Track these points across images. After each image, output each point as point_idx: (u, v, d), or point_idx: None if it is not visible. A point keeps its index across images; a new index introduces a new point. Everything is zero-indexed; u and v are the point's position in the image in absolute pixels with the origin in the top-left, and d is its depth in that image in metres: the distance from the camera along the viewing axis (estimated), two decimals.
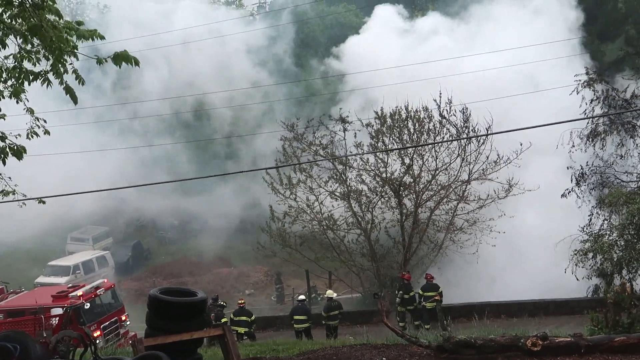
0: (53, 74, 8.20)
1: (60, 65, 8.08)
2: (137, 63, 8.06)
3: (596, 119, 23.73)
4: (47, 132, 9.87)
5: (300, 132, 28.35)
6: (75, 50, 8.10)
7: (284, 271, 37.59)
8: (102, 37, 8.12)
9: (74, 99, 8.41)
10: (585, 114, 23.72)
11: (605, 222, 23.16)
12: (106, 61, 8.03)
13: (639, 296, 14.75)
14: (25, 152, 9.76)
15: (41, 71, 8.27)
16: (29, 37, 7.90)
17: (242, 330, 22.35)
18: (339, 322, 23.14)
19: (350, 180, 27.68)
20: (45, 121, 9.85)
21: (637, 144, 24.46)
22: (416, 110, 26.87)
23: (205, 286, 36.79)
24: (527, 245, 29.20)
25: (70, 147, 44.56)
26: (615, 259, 21.37)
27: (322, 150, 27.63)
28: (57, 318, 20.54)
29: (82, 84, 8.32)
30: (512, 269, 28.81)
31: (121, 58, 7.95)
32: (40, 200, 11.33)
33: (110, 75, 47.71)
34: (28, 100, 9.26)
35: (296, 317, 22.55)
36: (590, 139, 24.52)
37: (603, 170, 24.54)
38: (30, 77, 8.37)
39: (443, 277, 28.82)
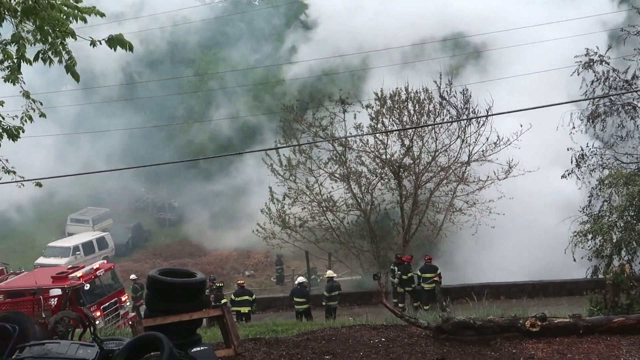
0: (52, 53, 8.09)
1: (59, 44, 7.97)
2: (131, 48, 7.91)
3: (596, 100, 23.66)
4: (42, 114, 9.73)
5: (300, 114, 28.27)
6: (73, 30, 7.98)
7: (283, 253, 37.64)
8: (102, 15, 7.99)
9: (76, 77, 8.31)
10: (585, 95, 23.64)
11: (605, 203, 23.17)
12: (100, 43, 7.89)
13: (637, 277, 14.78)
14: (24, 132, 9.69)
15: (41, 50, 8.15)
16: (24, 18, 7.76)
17: (245, 310, 22.49)
18: (338, 303, 23.26)
19: (349, 161, 27.60)
20: (41, 104, 9.72)
21: (637, 125, 24.40)
22: (416, 92, 26.75)
23: (205, 267, 36.90)
24: (527, 226, 29.20)
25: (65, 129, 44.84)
26: (614, 240, 21.43)
27: (321, 131, 27.53)
28: (56, 299, 20.57)
29: (74, 65, 8.20)
30: (511, 250, 28.83)
31: (116, 41, 7.83)
32: (37, 183, 11.25)
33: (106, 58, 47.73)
34: (25, 83, 9.15)
35: (296, 299, 22.69)
36: (591, 121, 24.46)
37: (603, 151, 24.50)
38: (28, 58, 8.24)
39: (442, 259, 28.87)
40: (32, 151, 38.00)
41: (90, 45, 7.93)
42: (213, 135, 47.57)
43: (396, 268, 24.28)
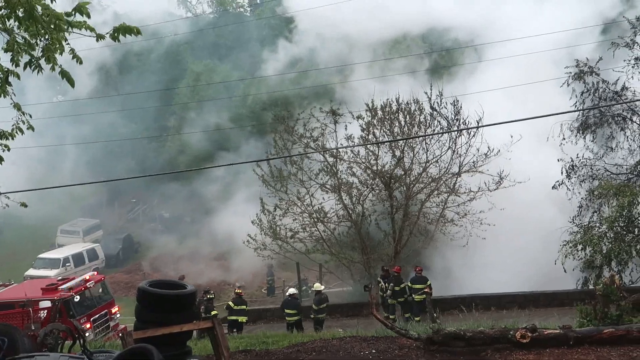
0: (45, 60, 8.07)
1: (53, 50, 7.95)
2: (139, 32, 7.91)
3: (586, 111, 23.80)
4: (30, 127, 9.64)
5: (291, 125, 28.28)
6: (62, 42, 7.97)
7: (274, 264, 37.51)
8: (92, 29, 7.98)
9: (71, 82, 8.29)
10: (575, 106, 23.78)
11: (595, 214, 23.27)
12: (103, 38, 7.87)
13: (627, 288, 14.84)
14: (9, 150, 9.62)
15: (32, 58, 8.12)
16: (23, 21, 7.68)
17: (243, 319, 22.44)
18: (326, 315, 23.24)
19: (341, 172, 27.62)
20: (30, 116, 9.62)
21: (627, 137, 24.55)
22: (407, 103, 26.83)
23: (196, 279, 36.71)
24: (517, 237, 29.22)
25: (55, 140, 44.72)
26: (604, 251, 21.50)
27: (312, 142, 27.54)
28: (46, 311, 20.43)
29: (81, 63, 8.18)
30: (502, 261, 28.83)
31: (122, 30, 7.82)
32: (22, 204, 11.17)
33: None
34: (15, 95, 9.10)
35: (287, 311, 22.62)
36: (581, 132, 24.60)
37: (593, 162, 24.63)
38: (17, 72, 8.22)
39: (433, 270, 28.84)
40: (12, 163, 37.99)
41: (96, 40, 7.93)
42: (205, 146, 47.59)
43: (382, 280, 24.29)
